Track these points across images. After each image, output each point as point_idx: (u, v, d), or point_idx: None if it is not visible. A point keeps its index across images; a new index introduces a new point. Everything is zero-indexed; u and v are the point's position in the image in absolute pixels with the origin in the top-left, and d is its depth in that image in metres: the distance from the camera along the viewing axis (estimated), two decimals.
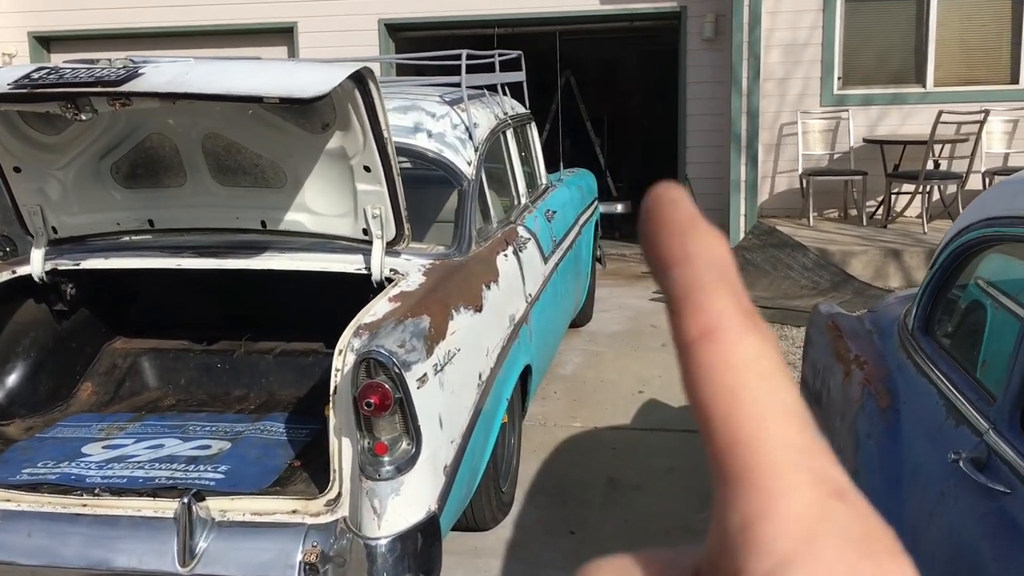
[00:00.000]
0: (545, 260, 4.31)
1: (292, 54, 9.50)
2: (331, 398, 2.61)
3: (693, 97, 9.19)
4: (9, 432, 3.25)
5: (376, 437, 2.50)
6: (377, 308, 2.79)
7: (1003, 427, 1.80)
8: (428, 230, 3.70)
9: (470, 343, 2.99)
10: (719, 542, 0.26)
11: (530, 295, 3.89)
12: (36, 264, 3.33)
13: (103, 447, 3.09)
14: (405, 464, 2.50)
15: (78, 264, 3.35)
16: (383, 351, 2.46)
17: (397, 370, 2.45)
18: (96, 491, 2.70)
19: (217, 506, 2.61)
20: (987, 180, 8.04)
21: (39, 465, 2.95)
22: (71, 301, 3.49)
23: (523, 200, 4.53)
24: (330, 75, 2.57)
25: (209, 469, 2.90)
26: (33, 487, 2.77)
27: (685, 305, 0.28)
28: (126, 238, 3.43)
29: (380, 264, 3.15)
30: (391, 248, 3.20)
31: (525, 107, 5.24)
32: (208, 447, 3.08)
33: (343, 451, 2.58)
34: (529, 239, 4.09)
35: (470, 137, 3.81)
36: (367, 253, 3.20)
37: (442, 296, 2.98)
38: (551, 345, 4.54)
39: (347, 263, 3.21)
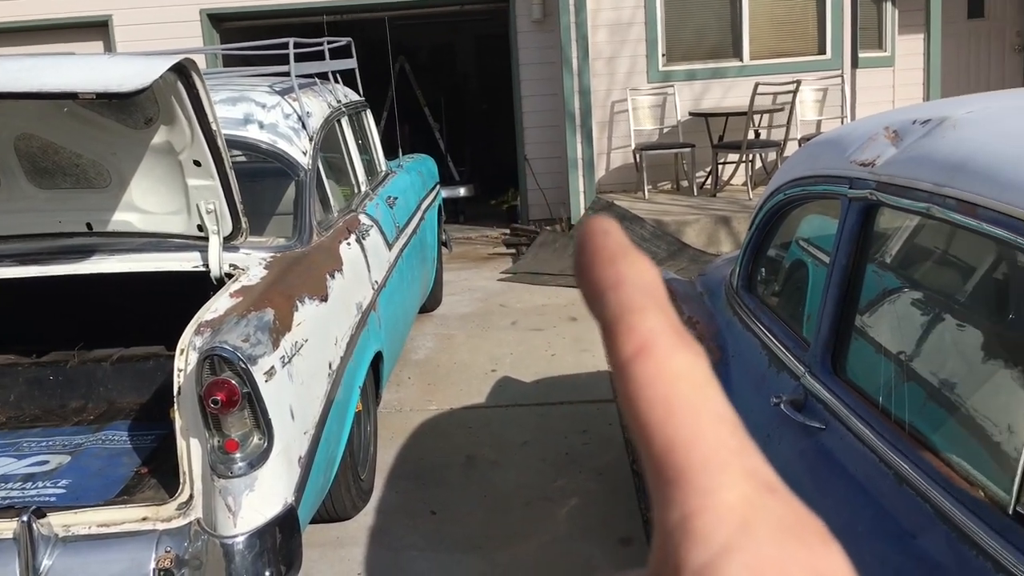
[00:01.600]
0: (389, 247, 4.31)
1: (108, 49, 9.05)
2: (175, 399, 2.55)
3: (527, 78, 9.34)
4: None
5: (225, 434, 2.46)
6: (218, 304, 2.73)
7: (816, 370, 1.95)
8: (267, 223, 3.64)
9: (318, 333, 2.97)
10: (661, 546, 0.27)
11: (376, 282, 3.89)
12: None
13: None
14: (257, 459, 2.47)
15: None
16: (227, 346, 2.42)
17: (243, 365, 2.42)
18: None
19: (60, 521, 2.51)
20: (802, 146, 8.57)
21: None
22: None
23: (363, 188, 4.51)
24: (150, 68, 2.49)
25: (48, 485, 2.77)
26: None
27: (619, 326, 0.29)
28: None
29: (218, 260, 3.08)
30: (229, 243, 3.14)
31: (359, 94, 5.20)
32: (45, 463, 2.94)
33: (192, 452, 2.52)
34: (371, 226, 4.08)
35: (303, 126, 3.76)
36: (203, 250, 3.12)
37: (285, 288, 2.95)
38: (401, 331, 4.56)
39: (183, 261, 3.13)
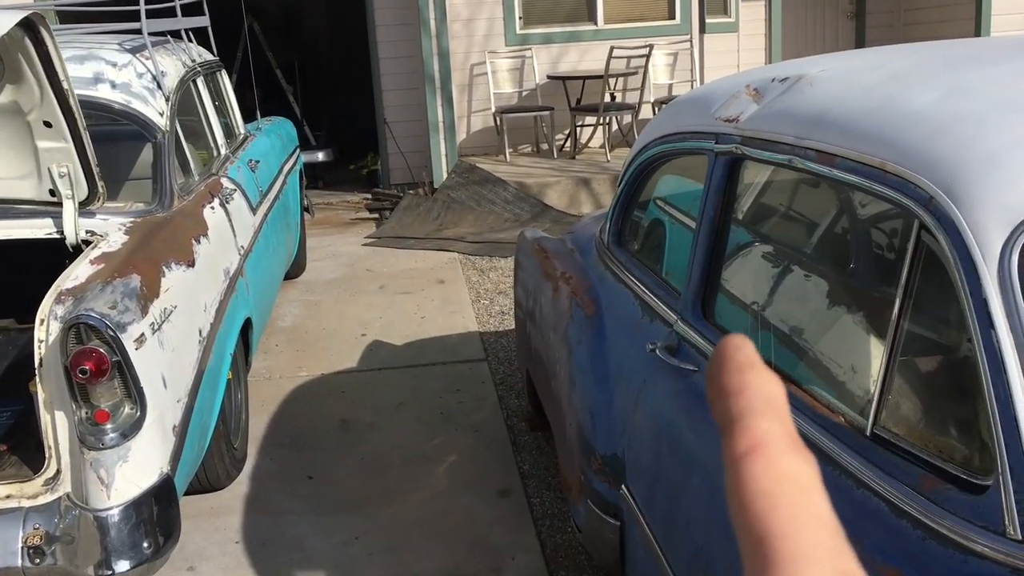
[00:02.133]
0: (254, 211, 4.21)
1: None
2: (37, 372, 2.43)
3: (384, 40, 9.22)
4: None
5: (94, 405, 2.37)
6: (79, 272, 2.61)
7: (688, 316, 2.06)
8: (123, 188, 3.48)
9: (186, 299, 2.89)
10: None
11: (242, 247, 3.80)
12: None
13: None
14: (130, 429, 2.40)
15: None
16: (93, 314, 2.33)
17: (112, 332, 2.33)
18: None
19: None
20: (656, 109, 8.83)
21: None
22: None
23: (223, 151, 4.37)
24: None
25: None
26: None
27: (737, 425, 0.32)
28: None
29: (74, 226, 2.94)
30: (84, 208, 3.00)
31: (213, 54, 5.02)
32: None
33: (57, 426, 2.42)
34: (235, 190, 3.97)
35: (159, 86, 3.61)
36: (57, 216, 2.97)
37: (150, 253, 2.84)
38: (269, 297, 4.47)
39: (34, 228, 2.97)
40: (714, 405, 0.34)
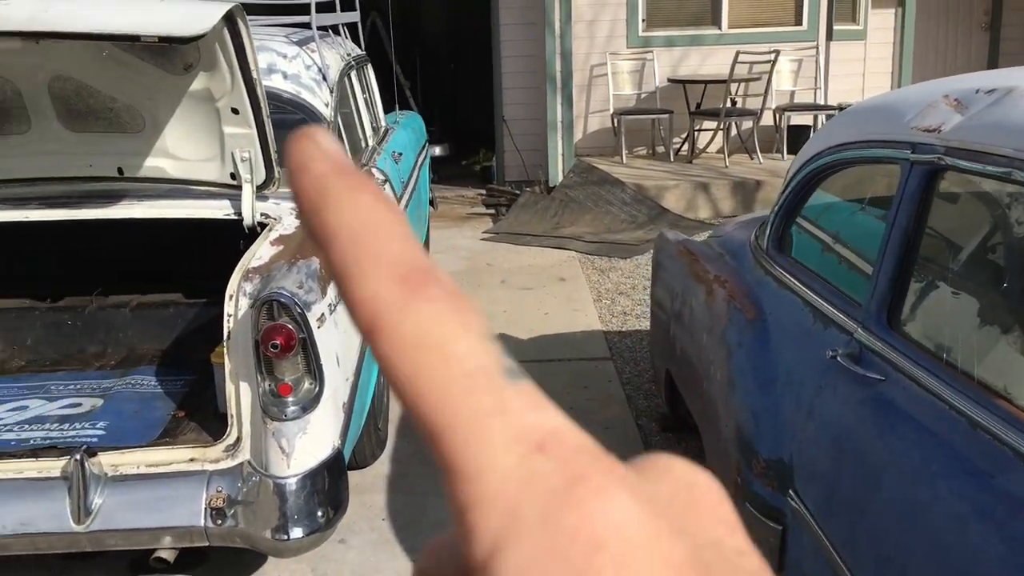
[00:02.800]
0: (398, 201, 4.35)
1: None
2: (224, 344, 2.58)
3: (507, 39, 9.33)
4: None
5: (279, 379, 2.50)
6: (261, 252, 2.76)
7: (871, 325, 2.07)
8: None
9: None
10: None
11: None
12: None
13: None
14: (309, 403, 2.52)
15: None
16: (285, 292, 2.46)
17: (300, 310, 2.46)
18: None
19: (107, 461, 2.54)
20: (777, 116, 8.73)
21: None
22: None
23: (371, 143, 4.52)
24: (206, 13, 2.49)
25: (87, 426, 2.80)
26: None
27: (345, 298, 0.25)
28: None
29: (251, 209, 3.10)
30: (259, 192, 3.15)
31: (361, 48, 5.18)
32: (79, 405, 2.96)
33: (241, 396, 2.56)
34: (384, 181, 4.11)
35: (324, 78, 3.76)
36: (234, 198, 3.13)
37: None
38: None
39: (215, 209, 3.13)
40: (312, 236, 0.26)
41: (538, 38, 8.98)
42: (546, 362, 4.78)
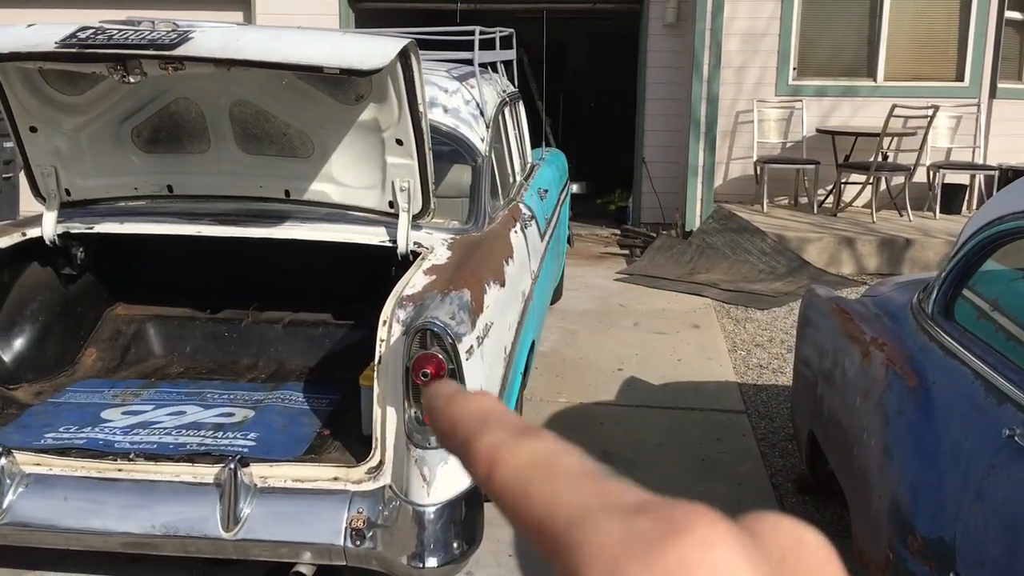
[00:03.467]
0: (542, 238, 4.38)
1: (249, 20, 9.31)
2: (375, 368, 2.64)
3: (653, 82, 9.32)
4: (18, 397, 3.19)
5: (421, 409, 2.54)
6: (415, 280, 2.82)
7: None
8: (443, 205, 3.73)
9: (499, 317, 3.04)
10: None
11: (533, 271, 3.96)
12: (48, 227, 3.26)
13: (123, 412, 3.06)
14: None
15: (91, 228, 3.29)
16: (438, 322, 2.50)
17: (451, 341, 2.50)
18: (131, 456, 2.68)
19: (257, 472, 2.62)
20: (931, 173, 8.40)
21: (61, 430, 2.90)
22: (81, 265, 3.42)
23: (519, 178, 4.58)
24: (384, 48, 2.58)
25: (239, 436, 2.90)
26: (61, 452, 2.74)
27: (467, 456, 0.31)
28: (138, 203, 3.37)
29: (406, 237, 3.17)
30: (415, 221, 3.23)
31: (514, 85, 5.27)
32: (232, 415, 3.08)
33: (387, 420, 2.61)
34: (531, 217, 4.15)
35: (481, 113, 3.84)
36: (389, 226, 3.22)
37: (474, 270, 3.02)
38: (543, 322, 4.62)
39: (371, 235, 3.22)
40: (445, 445, 0.34)
41: (684, 82, 8.94)
42: (678, 410, 4.70)
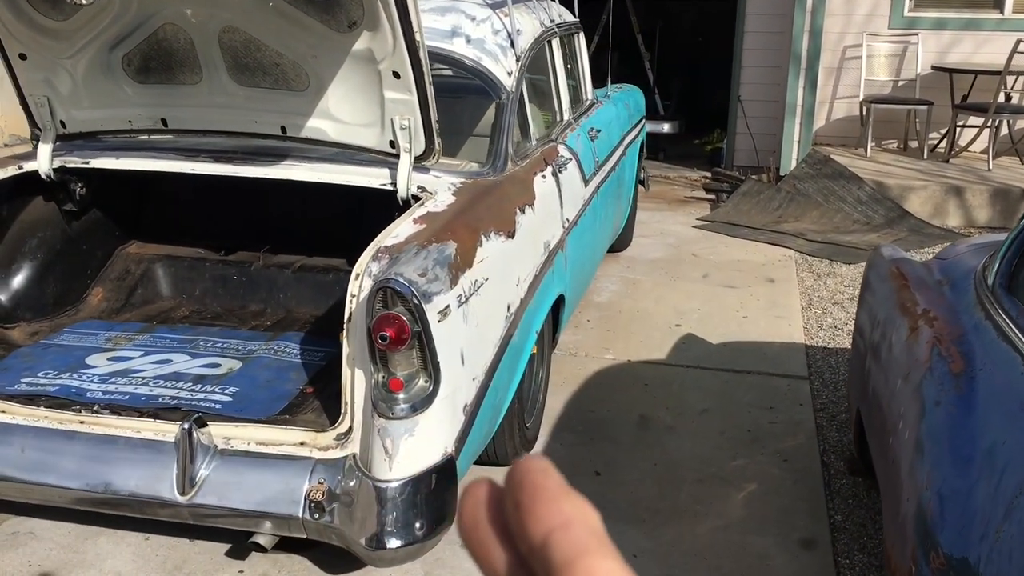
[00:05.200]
0: (586, 182, 4.04)
1: None
2: (345, 325, 2.41)
3: (752, 12, 8.68)
4: (13, 336, 3.10)
5: (391, 372, 2.30)
6: (400, 229, 2.56)
7: None
8: (462, 145, 3.44)
9: (499, 272, 2.76)
10: None
11: (568, 220, 3.64)
12: (43, 160, 3.13)
13: (108, 359, 2.93)
14: (421, 403, 2.30)
15: (87, 162, 3.14)
16: (401, 280, 2.24)
17: (416, 301, 2.23)
18: (95, 408, 2.54)
19: (221, 432, 2.44)
20: None
21: (39, 375, 2.79)
22: (82, 201, 3.30)
23: (566, 117, 4.22)
24: None
25: (216, 391, 2.73)
26: (30, 399, 2.62)
27: (575, 570, 0.31)
28: (141, 137, 3.21)
29: (407, 180, 2.91)
30: (419, 163, 2.95)
31: (574, 15, 4.88)
32: (217, 366, 2.91)
33: (356, 383, 2.38)
34: (570, 159, 3.81)
35: (512, 45, 3.50)
36: (394, 167, 2.95)
37: (471, 219, 2.74)
38: (587, 273, 4.30)
39: (372, 177, 2.97)
40: (525, 542, 0.33)
41: (788, 12, 8.27)
42: (732, 372, 4.33)
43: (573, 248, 3.72)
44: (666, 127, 9.91)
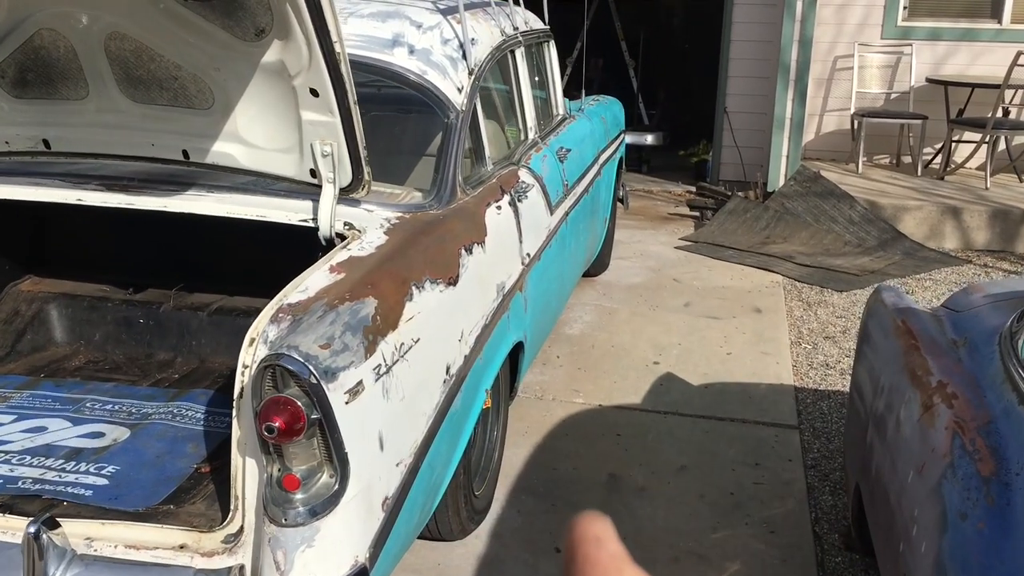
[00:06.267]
0: (552, 209, 3.60)
1: None
2: (235, 402, 1.95)
3: (740, 20, 8.27)
4: None
5: (286, 467, 1.85)
6: (311, 281, 2.11)
7: None
8: (406, 172, 2.99)
9: (436, 328, 2.31)
10: None
11: (528, 255, 3.20)
12: None
13: None
14: (323, 505, 1.85)
15: None
16: (296, 355, 1.79)
17: (315, 381, 1.78)
18: None
19: (82, 531, 1.98)
20: None
21: None
22: None
23: (531, 135, 3.79)
24: None
25: (92, 470, 2.27)
26: None
27: None
28: (22, 160, 2.74)
29: (330, 215, 2.46)
30: (347, 195, 2.51)
31: (544, 21, 4.45)
32: (100, 435, 2.45)
33: (247, 474, 1.93)
34: (531, 185, 3.37)
35: (464, 56, 3.06)
36: (316, 199, 2.50)
37: (401, 266, 2.29)
38: (553, 311, 3.86)
39: (289, 211, 2.53)
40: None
41: (776, 21, 7.87)
42: (714, 420, 3.90)
43: (535, 286, 3.28)
44: (649, 139, 9.46)
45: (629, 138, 9.34)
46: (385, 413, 2.00)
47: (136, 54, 2.40)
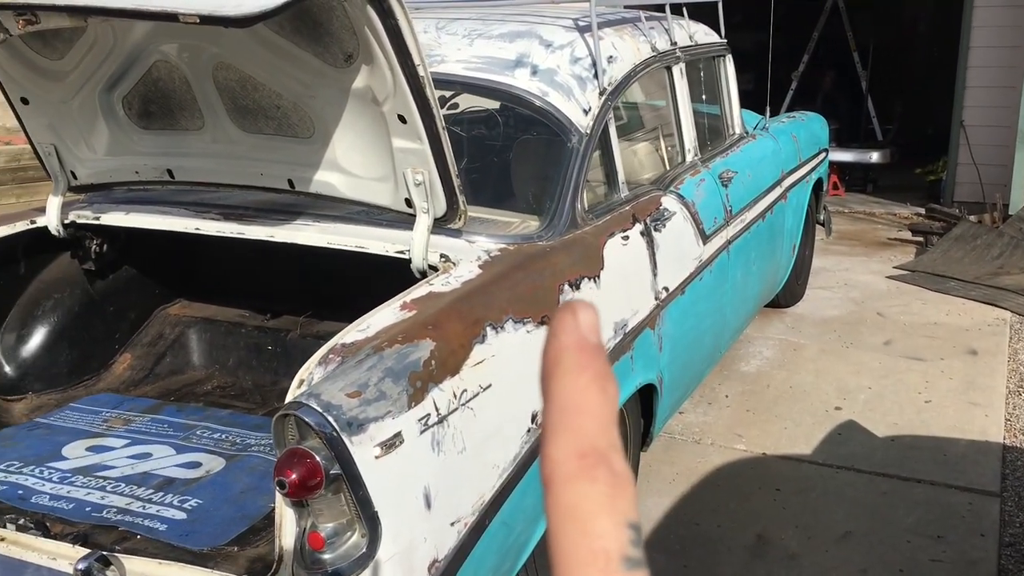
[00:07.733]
0: (704, 239, 3.29)
1: None
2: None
3: (981, 24, 7.44)
4: (14, 411, 2.80)
5: (312, 523, 1.72)
6: (376, 319, 1.98)
7: None
8: (528, 199, 2.82)
9: (518, 373, 2.11)
10: None
11: (665, 289, 2.92)
12: (52, 214, 2.83)
13: (87, 448, 2.55)
14: (350, 567, 1.70)
15: (98, 217, 2.81)
16: (314, 405, 1.65)
17: (334, 434, 1.64)
18: (21, 521, 2.13)
19: (139, 570, 1.95)
20: None
21: (1, 467, 2.44)
22: (101, 259, 2.97)
23: (689, 157, 3.49)
24: None
25: (175, 502, 2.26)
26: None
27: (540, 452, 0.32)
28: (153, 190, 2.84)
29: (423, 247, 2.33)
30: (442, 226, 2.37)
31: (720, 34, 4.13)
32: (197, 465, 2.45)
33: (285, 528, 1.82)
34: (675, 213, 3.09)
35: (595, 75, 2.85)
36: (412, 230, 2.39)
37: (479, 305, 2.11)
38: (707, 349, 3.52)
39: (387, 241, 2.43)
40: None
41: (1022, 25, 7.00)
42: (895, 479, 3.41)
43: (676, 323, 2.99)
44: (874, 156, 8.73)
45: (849, 156, 8.69)
46: (434, 467, 1.83)
47: (241, 83, 2.40)
